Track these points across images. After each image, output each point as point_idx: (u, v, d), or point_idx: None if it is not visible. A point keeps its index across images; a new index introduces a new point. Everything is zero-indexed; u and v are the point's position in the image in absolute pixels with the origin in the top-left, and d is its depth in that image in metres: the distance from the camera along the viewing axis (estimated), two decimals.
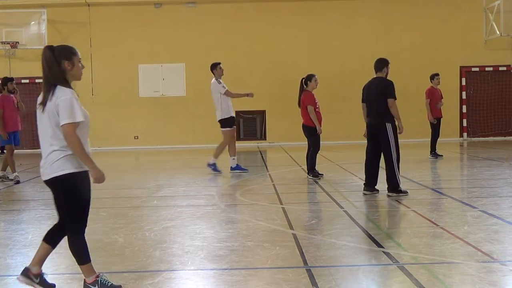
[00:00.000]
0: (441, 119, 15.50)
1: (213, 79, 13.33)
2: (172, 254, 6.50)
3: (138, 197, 10.50)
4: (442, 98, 15.56)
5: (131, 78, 22.01)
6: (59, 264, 6.10)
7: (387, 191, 9.67)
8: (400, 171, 9.67)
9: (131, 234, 7.48)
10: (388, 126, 9.57)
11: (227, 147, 13.34)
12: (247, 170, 13.41)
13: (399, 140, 9.69)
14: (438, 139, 15.61)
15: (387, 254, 6.23)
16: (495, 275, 5.52)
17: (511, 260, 5.94)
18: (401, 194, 9.57)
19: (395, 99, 9.64)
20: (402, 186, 9.76)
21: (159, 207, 9.50)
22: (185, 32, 21.93)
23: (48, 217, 8.41)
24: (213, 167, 13.36)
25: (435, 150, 15.48)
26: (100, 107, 21.08)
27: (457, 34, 21.74)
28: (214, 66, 13.38)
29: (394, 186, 9.62)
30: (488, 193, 9.93)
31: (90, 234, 7.25)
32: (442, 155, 15.49)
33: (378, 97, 9.70)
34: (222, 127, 13.28)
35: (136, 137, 22.11)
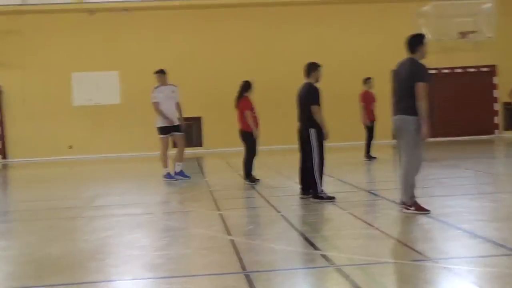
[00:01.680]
0: (375, 122, 15.80)
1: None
2: (109, 265, 6.42)
3: (73, 208, 10.32)
4: (375, 101, 15.87)
5: (64, 86, 21.64)
6: None
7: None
8: (322, 177, 9.61)
9: (66, 246, 7.34)
10: (312, 131, 9.60)
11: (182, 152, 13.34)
12: (175, 178, 13.27)
13: (324, 145, 9.68)
14: (373, 142, 15.90)
15: (324, 256, 6.31)
16: (428, 273, 5.66)
17: (443, 258, 6.09)
18: (323, 200, 9.52)
19: (319, 105, 9.64)
20: (336, 189, 9.85)
21: (95, 217, 9.36)
22: (118, 39, 21.73)
23: None
24: (175, 176, 13.25)
25: (370, 152, 15.75)
26: (32, 117, 20.67)
27: (390, 39, 22.17)
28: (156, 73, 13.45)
29: (315, 192, 9.65)
30: (420, 193, 10.13)
31: (25, 247, 7.11)
32: (376, 157, 15.77)
33: (303, 103, 9.78)
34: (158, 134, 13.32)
35: (70, 147, 21.74)
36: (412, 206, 8.23)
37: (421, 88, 8.08)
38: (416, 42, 8.39)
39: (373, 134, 15.79)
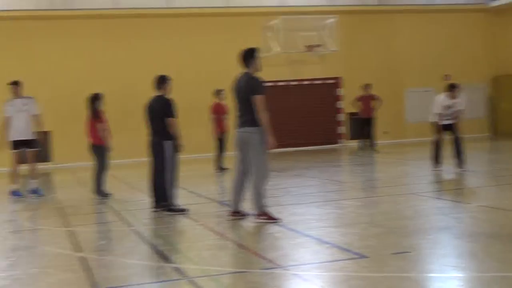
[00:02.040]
0: (226, 134, 15.97)
1: None
2: None
3: None
4: (227, 113, 16.02)
5: None
6: None
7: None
8: (175, 189, 9.66)
9: None
10: (166, 144, 9.60)
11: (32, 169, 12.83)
12: (23, 196, 12.75)
13: (179, 158, 9.73)
14: (224, 154, 16.06)
15: (177, 269, 6.29)
16: (279, 280, 5.80)
17: (293, 264, 6.27)
18: (176, 213, 9.51)
19: (174, 117, 9.68)
20: (188, 201, 9.88)
21: None
22: None
23: None
24: (29, 194, 12.67)
25: (221, 164, 15.91)
26: None
27: (238, 52, 22.52)
28: None
29: (168, 205, 9.62)
30: (270, 202, 10.38)
31: None
32: (228, 169, 15.96)
33: (157, 115, 9.72)
34: None
35: None
36: (263, 215, 8.43)
37: (259, 100, 8.30)
38: (249, 56, 8.61)
39: (224, 145, 15.95)
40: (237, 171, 8.75)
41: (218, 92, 16.05)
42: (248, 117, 8.42)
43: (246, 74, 8.56)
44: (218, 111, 15.80)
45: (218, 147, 15.90)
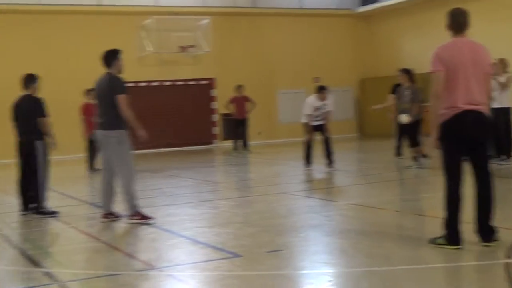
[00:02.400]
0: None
1: None
2: None
3: None
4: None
5: None
6: None
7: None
8: (46, 191, 9.40)
9: None
10: (38, 144, 9.28)
11: None
12: None
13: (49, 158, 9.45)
14: (96, 154, 15.69)
15: (47, 273, 6.10)
16: (153, 281, 5.76)
17: (168, 265, 6.24)
18: (46, 216, 9.22)
19: (46, 117, 9.37)
20: (59, 203, 9.62)
21: None
22: None
23: None
24: None
25: (93, 165, 15.54)
26: None
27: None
28: None
29: (37, 207, 9.33)
30: (145, 203, 10.27)
31: None
32: (100, 169, 15.60)
33: (26, 115, 9.37)
34: None
35: None
36: (136, 215, 8.36)
37: (122, 99, 8.28)
38: (111, 57, 8.56)
39: (94, 146, 15.55)
40: (103, 172, 8.67)
41: (88, 92, 15.63)
42: (108, 119, 8.36)
43: (108, 74, 8.48)
44: (88, 112, 15.37)
45: (89, 148, 15.50)
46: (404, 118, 12.97)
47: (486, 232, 6.11)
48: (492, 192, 6.15)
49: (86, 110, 15.27)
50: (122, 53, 8.67)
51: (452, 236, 6.08)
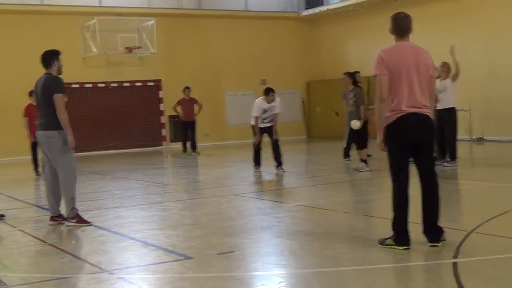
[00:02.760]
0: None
1: None
2: None
3: None
4: None
5: None
6: None
7: None
8: None
9: None
10: None
11: None
12: None
13: None
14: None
15: None
16: (103, 284, 5.72)
17: (118, 268, 6.19)
18: None
19: None
20: (5, 206, 9.46)
21: None
22: None
23: None
24: None
25: (38, 167, 15.26)
26: None
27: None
28: None
29: None
30: (94, 205, 10.22)
31: None
32: None
33: None
34: None
35: None
36: (74, 218, 8.36)
37: (59, 99, 8.24)
38: (50, 57, 8.52)
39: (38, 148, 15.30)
40: (47, 175, 8.62)
41: (31, 94, 15.29)
42: (47, 120, 8.32)
43: (47, 74, 8.46)
44: (32, 114, 15.05)
45: (33, 150, 15.19)
46: (356, 123, 13.12)
47: (434, 233, 6.24)
48: (438, 193, 6.30)
49: (29, 112, 14.93)
50: (61, 54, 8.63)
51: (400, 237, 6.20)
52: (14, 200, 11.04)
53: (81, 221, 8.35)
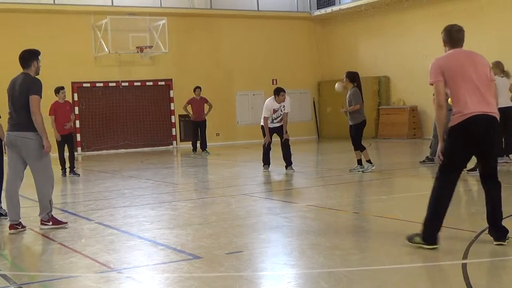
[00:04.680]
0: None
1: None
2: None
3: None
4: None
5: None
6: None
7: None
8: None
9: None
10: None
11: None
12: None
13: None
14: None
15: (3, 276, 6.00)
16: (112, 283, 5.72)
17: (126, 267, 6.19)
18: (1, 217, 9.10)
19: None
20: None
21: None
22: None
23: None
24: None
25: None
26: None
27: (68, 51, 21.88)
28: None
29: None
30: (103, 205, 10.23)
31: None
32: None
33: None
34: None
35: None
36: (49, 221, 8.23)
37: (35, 100, 7.89)
38: (30, 57, 8.22)
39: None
40: (10, 179, 8.29)
41: (58, 91, 15.19)
42: (23, 120, 8.00)
43: (25, 74, 8.14)
44: (58, 111, 14.91)
45: (60, 149, 14.97)
46: (339, 87, 13.26)
47: (499, 232, 6.24)
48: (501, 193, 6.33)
49: (55, 110, 14.60)
50: (40, 54, 8.35)
51: (431, 236, 6.16)
52: (25, 199, 11.07)
53: (57, 222, 8.25)
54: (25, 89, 7.96)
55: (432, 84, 6.28)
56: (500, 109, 12.55)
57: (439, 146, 6.30)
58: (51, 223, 8.22)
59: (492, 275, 5.46)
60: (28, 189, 12.48)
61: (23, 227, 8.23)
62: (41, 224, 8.23)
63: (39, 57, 8.29)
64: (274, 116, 13.71)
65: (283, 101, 13.66)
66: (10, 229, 8.17)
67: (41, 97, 8.01)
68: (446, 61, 6.29)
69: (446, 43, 6.46)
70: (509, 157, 13.40)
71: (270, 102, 13.74)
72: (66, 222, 8.37)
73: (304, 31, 26.81)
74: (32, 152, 7.99)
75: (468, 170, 12.54)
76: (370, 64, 24.57)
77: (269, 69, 25.47)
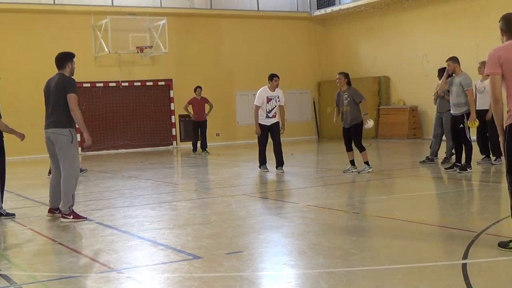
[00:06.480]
0: None
1: None
2: None
3: None
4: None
5: None
6: None
7: None
8: (3, 193, 9.30)
9: None
10: None
11: None
12: None
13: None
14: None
15: (3, 276, 6.00)
16: (112, 283, 5.71)
17: (127, 267, 6.20)
18: (2, 217, 9.08)
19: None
20: (15, 205, 9.51)
21: None
22: None
23: None
24: None
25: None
26: None
27: (68, 51, 21.81)
28: None
29: None
30: (103, 205, 10.23)
31: None
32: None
33: None
34: None
35: None
36: (70, 215, 8.59)
37: (72, 98, 8.50)
38: (65, 59, 8.82)
39: None
40: (54, 173, 8.91)
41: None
42: (56, 117, 8.56)
43: (60, 75, 8.72)
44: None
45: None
46: (370, 123, 12.90)
47: None
48: None
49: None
50: (75, 57, 8.91)
51: None
52: (25, 199, 11.08)
53: (77, 216, 8.65)
54: (61, 89, 8.53)
55: (488, 76, 5.92)
56: (483, 111, 12.36)
57: (500, 139, 5.94)
58: (71, 217, 8.60)
59: (492, 275, 5.46)
60: (28, 189, 12.53)
61: (60, 212, 8.76)
62: (62, 217, 8.66)
63: (74, 59, 8.87)
64: (268, 107, 13.49)
65: (277, 87, 13.52)
66: (48, 213, 9.00)
67: (77, 95, 8.60)
68: (506, 52, 5.87)
69: (505, 32, 6.03)
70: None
71: (263, 90, 13.54)
72: (86, 218, 8.71)
73: (304, 31, 26.81)
74: (62, 147, 8.53)
75: (446, 168, 12.62)
76: (370, 64, 24.58)
77: (269, 69, 25.28)
